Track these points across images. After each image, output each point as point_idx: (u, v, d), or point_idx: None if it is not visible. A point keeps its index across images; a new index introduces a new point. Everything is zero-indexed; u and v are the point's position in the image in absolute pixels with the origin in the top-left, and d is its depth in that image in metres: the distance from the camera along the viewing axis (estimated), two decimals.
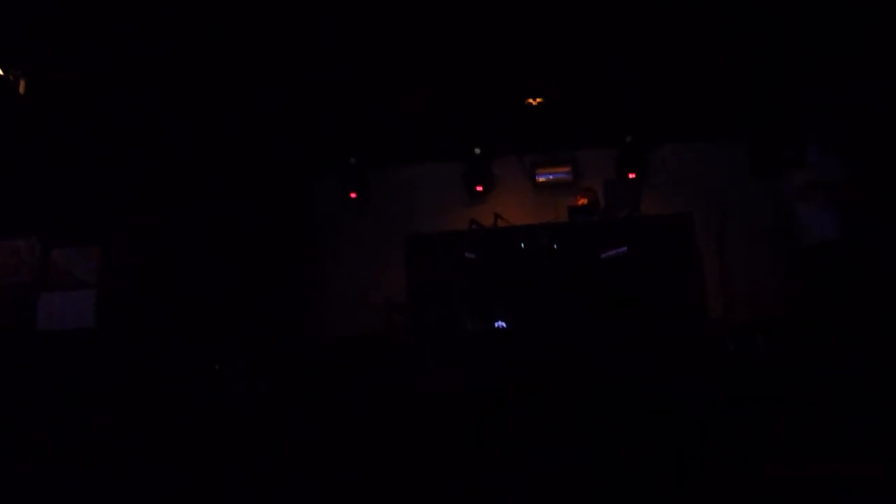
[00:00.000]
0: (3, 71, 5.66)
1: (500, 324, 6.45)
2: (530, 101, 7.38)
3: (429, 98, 7.18)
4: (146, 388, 5.89)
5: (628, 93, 7.21)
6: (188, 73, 6.34)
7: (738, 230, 8.02)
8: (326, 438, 5.02)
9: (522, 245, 6.64)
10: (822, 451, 4.01)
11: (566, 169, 8.59)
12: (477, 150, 8.37)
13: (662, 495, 3.55)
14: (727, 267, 7.89)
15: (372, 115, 7.52)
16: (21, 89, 5.85)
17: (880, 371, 4.86)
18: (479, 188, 8.56)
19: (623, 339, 5.84)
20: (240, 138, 7.55)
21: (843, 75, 6.86)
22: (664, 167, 8.37)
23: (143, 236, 6.68)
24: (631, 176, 8.10)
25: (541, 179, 8.62)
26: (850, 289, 5.75)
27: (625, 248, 6.19)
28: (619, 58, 6.51)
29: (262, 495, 3.86)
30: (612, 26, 5.97)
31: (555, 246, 6.59)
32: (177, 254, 6.95)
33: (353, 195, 8.65)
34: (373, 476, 4.27)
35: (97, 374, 5.07)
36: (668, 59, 6.53)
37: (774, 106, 7.49)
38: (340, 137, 8.07)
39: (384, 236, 8.45)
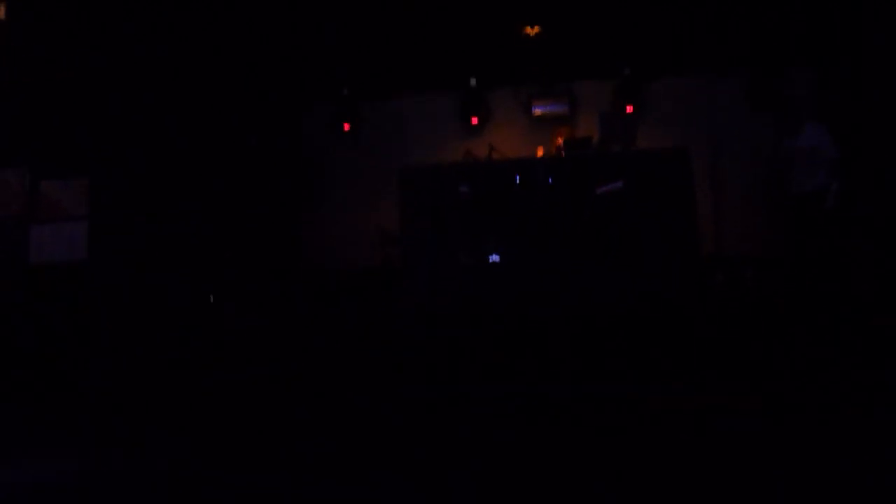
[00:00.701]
0: None
1: (494, 257, 6.47)
2: (527, 30, 7.20)
3: (423, 25, 7.00)
4: (140, 320, 5.93)
5: (627, 23, 7.04)
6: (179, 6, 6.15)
7: (732, 165, 7.98)
8: (322, 370, 5.10)
9: (517, 178, 6.59)
10: (800, 380, 4.13)
11: (562, 101, 8.46)
12: (472, 81, 8.23)
13: (648, 422, 3.64)
14: (720, 202, 7.88)
15: (364, 44, 7.34)
16: (1, 14, 5.67)
17: (856, 303, 5.06)
18: (475, 120, 8.44)
19: (615, 271, 5.88)
20: (229, 69, 7.38)
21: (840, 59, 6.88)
22: (661, 100, 8.25)
23: (133, 167, 6.60)
24: (629, 109, 7.99)
25: (537, 112, 8.49)
26: (833, 232, 5.96)
27: (620, 183, 6.16)
28: None
29: (261, 431, 3.94)
30: None
31: (549, 180, 6.55)
32: (167, 185, 6.88)
33: (346, 127, 8.53)
34: (366, 406, 4.35)
35: (90, 307, 5.09)
36: None
37: (777, 41, 7.34)
38: (332, 68, 7.89)
39: (377, 168, 8.37)
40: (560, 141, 6.87)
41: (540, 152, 7.19)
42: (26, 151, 6.49)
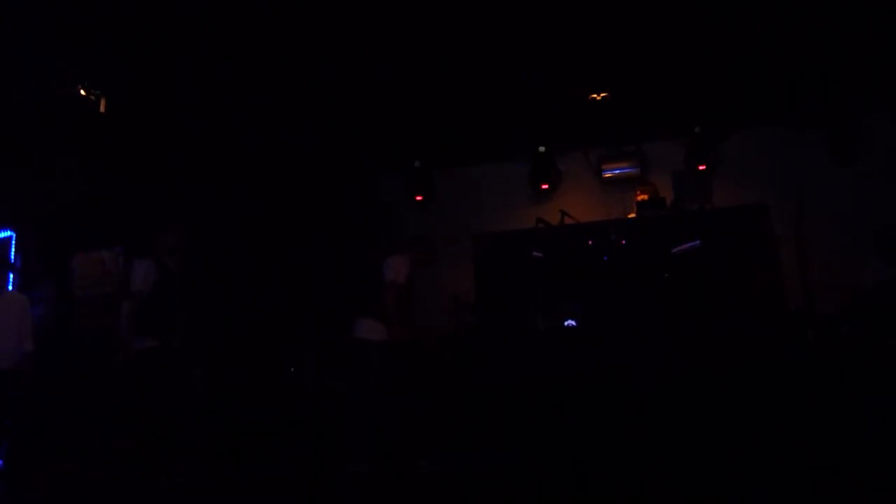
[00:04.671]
0: (84, 91, 5.94)
1: (570, 322, 6.38)
2: (594, 95, 7.24)
3: (492, 98, 7.14)
4: (226, 389, 6.10)
5: (694, 82, 6.99)
6: (256, 85, 6.52)
7: (817, 217, 7.64)
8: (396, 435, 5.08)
9: (590, 242, 6.55)
10: None
11: (633, 163, 8.40)
12: (542, 148, 8.29)
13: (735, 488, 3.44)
14: (807, 256, 7.52)
15: (435, 118, 7.54)
16: (102, 108, 6.12)
17: None
18: (545, 186, 8.47)
19: (697, 333, 5.68)
20: (305, 142, 7.69)
21: None
22: (736, 156, 8.08)
23: (217, 243, 6.90)
24: (701, 167, 7.85)
25: (607, 175, 8.44)
26: None
27: (698, 242, 6.03)
28: (685, 45, 6.32)
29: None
30: (675, 13, 5.81)
31: (623, 242, 6.47)
32: (246, 256, 7.16)
33: (418, 198, 8.69)
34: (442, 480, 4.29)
35: (179, 377, 5.27)
36: (735, 42, 6.29)
37: (851, 88, 7.15)
38: (405, 140, 8.12)
39: (451, 236, 8.42)
40: (644, 197, 6.78)
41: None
42: (122, 233, 6.91)
